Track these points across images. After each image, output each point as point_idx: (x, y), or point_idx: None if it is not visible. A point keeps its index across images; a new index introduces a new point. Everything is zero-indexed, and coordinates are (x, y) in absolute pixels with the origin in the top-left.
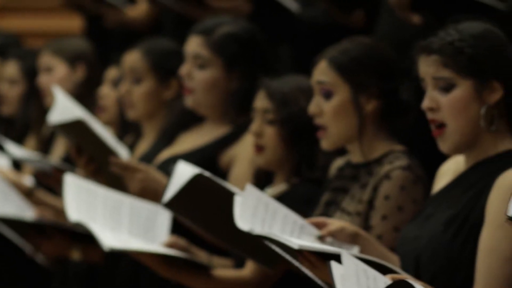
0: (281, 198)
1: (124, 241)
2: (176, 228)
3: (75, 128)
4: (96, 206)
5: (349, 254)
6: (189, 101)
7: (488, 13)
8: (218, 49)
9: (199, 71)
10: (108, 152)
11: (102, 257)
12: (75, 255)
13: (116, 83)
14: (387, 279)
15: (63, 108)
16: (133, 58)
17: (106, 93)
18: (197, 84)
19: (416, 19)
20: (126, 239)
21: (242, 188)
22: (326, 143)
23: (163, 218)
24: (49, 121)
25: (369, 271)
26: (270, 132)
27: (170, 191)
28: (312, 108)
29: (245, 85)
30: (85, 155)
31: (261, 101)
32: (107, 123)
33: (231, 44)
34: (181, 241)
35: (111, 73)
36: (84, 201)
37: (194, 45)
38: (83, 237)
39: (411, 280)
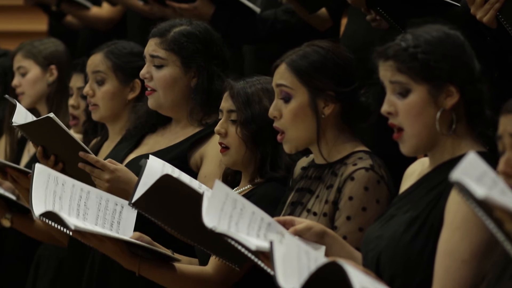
0: (245, 197)
1: (89, 226)
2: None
3: (43, 127)
4: (63, 196)
5: (292, 236)
6: (150, 101)
7: (444, 11)
8: (173, 47)
9: (157, 71)
10: (77, 148)
11: (66, 240)
12: (5, 222)
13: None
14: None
15: (24, 113)
16: (95, 59)
17: (75, 103)
18: (156, 83)
19: (383, 24)
20: (92, 225)
21: (210, 186)
22: (286, 147)
23: (130, 212)
24: (14, 122)
25: (311, 253)
26: (233, 132)
27: (139, 190)
28: (272, 111)
29: (204, 82)
30: (51, 156)
31: (225, 102)
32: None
33: (186, 41)
34: (145, 237)
35: (77, 82)
36: (51, 190)
37: (150, 47)
38: (16, 206)
39: (342, 261)
